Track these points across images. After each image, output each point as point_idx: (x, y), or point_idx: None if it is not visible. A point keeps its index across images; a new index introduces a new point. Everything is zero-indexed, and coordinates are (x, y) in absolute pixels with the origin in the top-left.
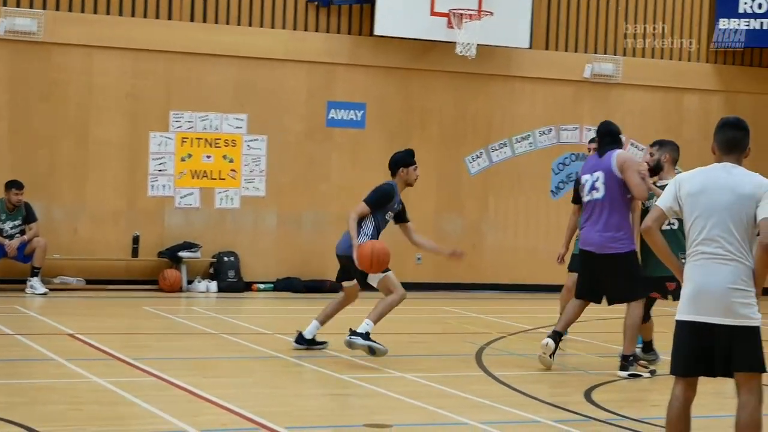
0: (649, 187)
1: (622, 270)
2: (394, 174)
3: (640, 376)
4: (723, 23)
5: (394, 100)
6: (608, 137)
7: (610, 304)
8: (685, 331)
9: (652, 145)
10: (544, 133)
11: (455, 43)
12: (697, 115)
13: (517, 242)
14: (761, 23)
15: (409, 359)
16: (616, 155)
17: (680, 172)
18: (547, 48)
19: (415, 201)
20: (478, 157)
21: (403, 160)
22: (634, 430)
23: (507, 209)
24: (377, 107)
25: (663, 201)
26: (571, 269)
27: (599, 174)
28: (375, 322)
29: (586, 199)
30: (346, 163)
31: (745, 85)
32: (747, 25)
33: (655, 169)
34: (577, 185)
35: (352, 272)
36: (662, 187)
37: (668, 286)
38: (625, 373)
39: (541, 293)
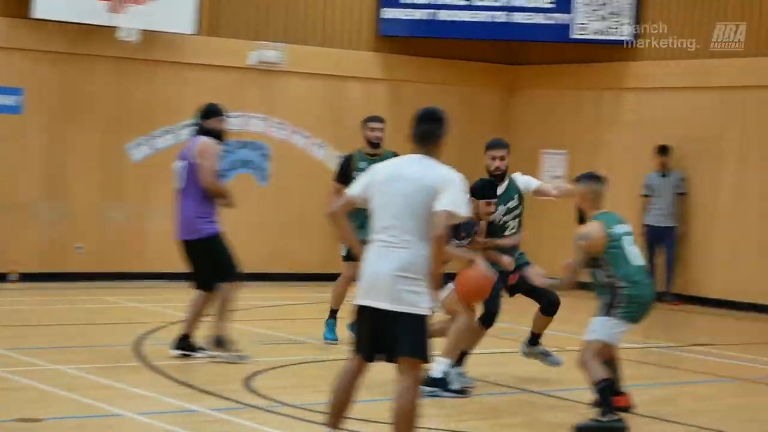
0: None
1: (210, 253)
2: None
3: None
4: (386, 13)
5: (53, 86)
6: (203, 119)
7: (200, 288)
8: (362, 315)
9: (500, 147)
10: None
11: (118, 27)
12: (360, 103)
13: None
14: (424, 13)
15: (65, 351)
16: (199, 143)
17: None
18: (212, 34)
19: (77, 189)
20: (141, 143)
21: (474, 191)
22: (292, 416)
23: (170, 196)
24: (36, 93)
25: (354, 189)
26: (347, 258)
27: (185, 163)
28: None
29: (177, 186)
30: (2, 150)
31: (408, 74)
32: (410, 15)
33: (505, 174)
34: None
35: None
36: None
37: (510, 279)
38: (177, 352)
39: None
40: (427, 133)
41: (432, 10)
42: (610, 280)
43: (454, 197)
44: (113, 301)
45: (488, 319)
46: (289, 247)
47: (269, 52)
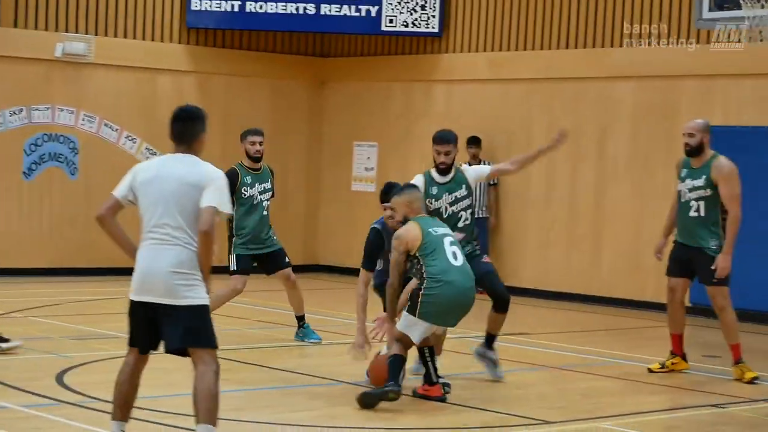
0: None
1: None
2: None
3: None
4: (195, 4)
5: None
6: None
7: None
8: (136, 309)
9: (447, 143)
10: (14, 113)
11: None
12: (170, 95)
13: None
14: (232, 5)
15: None
16: None
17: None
18: (16, 26)
19: None
20: None
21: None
22: (104, 411)
23: None
24: None
25: (119, 190)
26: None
27: None
28: None
29: None
30: None
31: (217, 66)
32: (219, 7)
33: (452, 167)
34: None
35: None
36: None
37: None
38: None
39: (13, 276)
40: (186, 131)
41: (240, 2)
42: (421, 279)
43: (217, 193)
44: None
45: (503, 305)
46: (99, 241)
47: (76, 44)
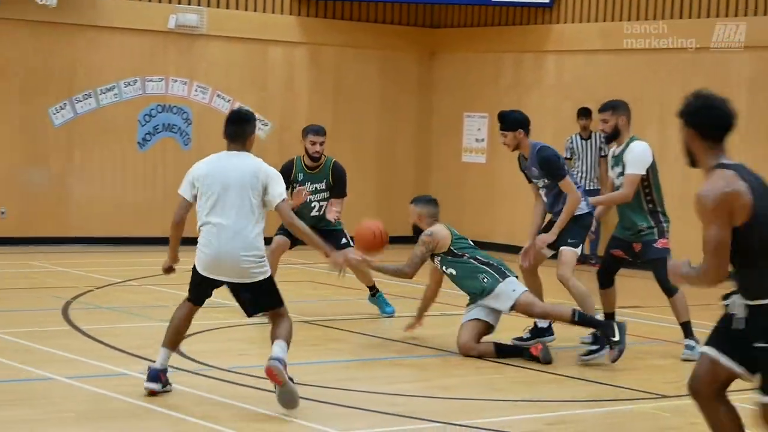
0: None
1: None
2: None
3: None
4: None
5: None
6: None
7: None
8: (204, 281)
9: (602, 111)
10: (129, 84)
11: None
12: (281, 67)
13: (104, 194)
14: None
15: None
16: None
17: (635, 138)
18: None
19: None
20: (62, 108)
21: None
22: (219, 379)
23: (93, 161)
24: None
25: (183, 190)
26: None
27: None
28: None
29: None
30: None
31: (328, 37)
32: None
33: (614, 135)
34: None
35: None
36: (619, 156)
37: (635, 247)
38: None
39: (129, 246)
40: (236, 132)
41: None
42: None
43: (280, 184)
44: (38, 266)
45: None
46: None
47: (189, 16)
